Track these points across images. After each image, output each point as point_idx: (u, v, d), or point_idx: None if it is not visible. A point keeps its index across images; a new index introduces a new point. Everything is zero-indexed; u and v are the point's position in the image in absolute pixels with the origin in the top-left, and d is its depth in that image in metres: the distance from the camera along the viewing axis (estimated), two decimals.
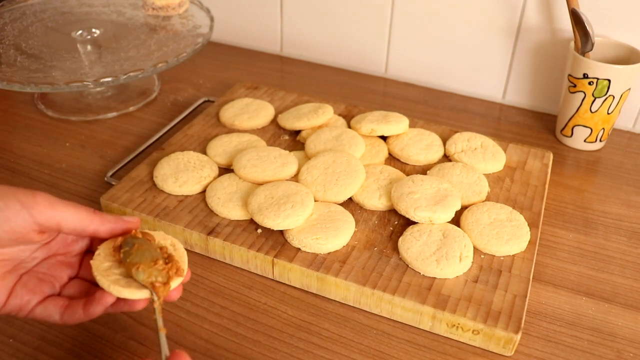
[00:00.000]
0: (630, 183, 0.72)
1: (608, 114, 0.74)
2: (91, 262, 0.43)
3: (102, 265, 0.43)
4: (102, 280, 0.42)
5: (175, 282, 0.43)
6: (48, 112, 0.83)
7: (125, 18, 0.92)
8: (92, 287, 0.45)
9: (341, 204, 0.62)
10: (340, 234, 0.56)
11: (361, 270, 0.54)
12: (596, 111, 0.73)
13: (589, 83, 0.72)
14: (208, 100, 0.84)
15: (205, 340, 0.51)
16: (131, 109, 0.84)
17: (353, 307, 0.54)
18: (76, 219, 0.42)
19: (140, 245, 0.43)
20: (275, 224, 0.57)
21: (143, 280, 0.42)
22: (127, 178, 0.65)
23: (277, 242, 0.57)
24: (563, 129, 0.78)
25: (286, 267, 0.55)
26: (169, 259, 0.44)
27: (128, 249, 0.43)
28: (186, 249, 0.59)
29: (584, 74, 0.72)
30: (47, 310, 0.43)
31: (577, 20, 0.70)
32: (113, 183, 0.67)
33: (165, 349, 0.40)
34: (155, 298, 0.41)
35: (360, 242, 0.58)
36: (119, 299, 0.43)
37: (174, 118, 0.80)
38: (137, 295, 0.41)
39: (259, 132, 0.75)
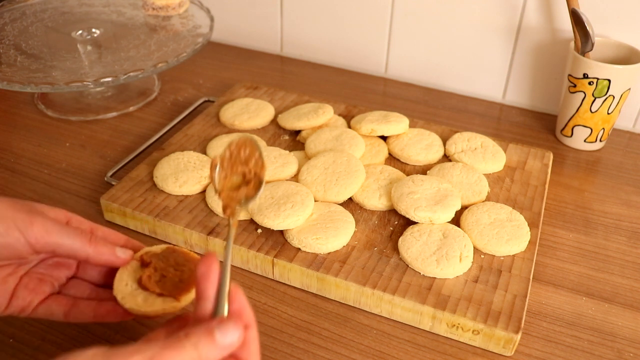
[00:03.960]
0: (630, 183, 0.72)
1: (608, 114, 0.74)
2: (115, 293, 0.44)
3: (126, 289, 0.44)
4: (133, 308, 0.43)
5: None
6: (48, 112, 0.83)
7: (125, 18, 0.92)
8: (95, 288, 0.47)
9: (341, 204, 0.62)
10: (340, 234, 0.56)
11: (361, 270, 0.54)
12: (596, 111, 0.73)
13: (589, 83, 0.72)
14: (208, 100, 0.84)
15: None
16: (131, 109, 0.84)
17: (353, 307, 0.54)
18: (70, 249, 0.43)
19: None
20: (275, 224, 0.57)
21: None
22: (127, 178, 0.65)
23: (277, 242, 0.57)
24: (563, 129, 0.78)
25: (286, 267, 0.55)
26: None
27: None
28: (186, 249, 0.59)
29: (584, 74, 0.72)
30: (50, 309, 0.44)
31: (577, 20, 0.70)
32: (113, 183, 0.67)
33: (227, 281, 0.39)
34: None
35: (360, 242, 0.58)
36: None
37: (174, 118, 0.80)
38: (163, 312, 0.42)
39: (259, 132, 0.75)
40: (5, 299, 0.43)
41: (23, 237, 0.41)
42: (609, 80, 0.70)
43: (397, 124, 0.70)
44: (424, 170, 0.68)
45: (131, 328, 0.52)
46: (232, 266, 0.58)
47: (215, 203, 0.60)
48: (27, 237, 0.41)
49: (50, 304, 0.44)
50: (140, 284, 0.44)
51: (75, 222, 0.47)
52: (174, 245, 0.47)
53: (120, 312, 0.44)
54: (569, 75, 0.74)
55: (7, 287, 0.43)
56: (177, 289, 0.43)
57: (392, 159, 0.70)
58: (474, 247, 0.57)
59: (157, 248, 0.47)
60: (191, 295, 0.43)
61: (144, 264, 0.46)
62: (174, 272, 0.45)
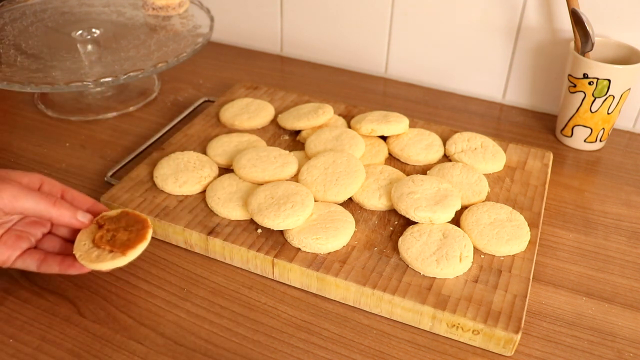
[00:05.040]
0: (630, 183, 0.72)
1: (608, 114, 0.74)
2: (74, 252, 0.51)
3: (83, 248, 0.51)
4: (87, 264, 0.50)
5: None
6: (48, 112, 0.83)
7: (125, 18, 0.92)
8: (65, 243, 0.55)
9: (341, 204, 0.62)
10: (340, 234, 0.56)
11: (361, 270, 0.54)
12: (596, 111, 0.73)
13: (589, 83, 0.72)
14: (208, 100, 0.84)
15: (205, 340, 0.51)
16: (131, 109, 0.84)
17: (353, 307, 0.54)
18: (36, 210, 0.50)
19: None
20: (275, 224, 0.57)
21: None
22: (127, 178, 0.65)
23: (277, 242, 0.57)
24: (563, 129, 0.78)
25: (286, 267, 0.55)
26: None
27: None
28: (186, 249, 0.60)
29: (584, 74, 0.72)
30: (25, 263, 0.52)
31: (577, 20, 0.70)
32: (113, 183, 0.67)
33: None
34: None
35: (360, 242, 0.58)
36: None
37: (174, 118, 0.80)
38: (113, 265, 0.50)
39: (259, 132, 0.75)
40: None
41: None
42: (609, 80, 0.70)
43: (397, 124, 0.71)
44: (424, 170, 0.68)
45: (131, 328, 0.52)
46: (233, 266, 0.58)
47: (215, 202, 0.60)
48: None
49: (25, 258, 0.52)
50: (94, 243, 0.51)
51: (48, 186, 0.54)
52: (128, 210, 0.54)
53: (78, 266, 0.51)
54: (569, 75, 0.74)
55: None
56: (124, 246, 0.50)
57: (392, 159, 0.70)
58: (474, 247, 0.57)
59: (114, 212, 0.54)
60: (137, 251, 0.50)
61: (99, 226, 0.52)
62: (123, 232, 0.51)
